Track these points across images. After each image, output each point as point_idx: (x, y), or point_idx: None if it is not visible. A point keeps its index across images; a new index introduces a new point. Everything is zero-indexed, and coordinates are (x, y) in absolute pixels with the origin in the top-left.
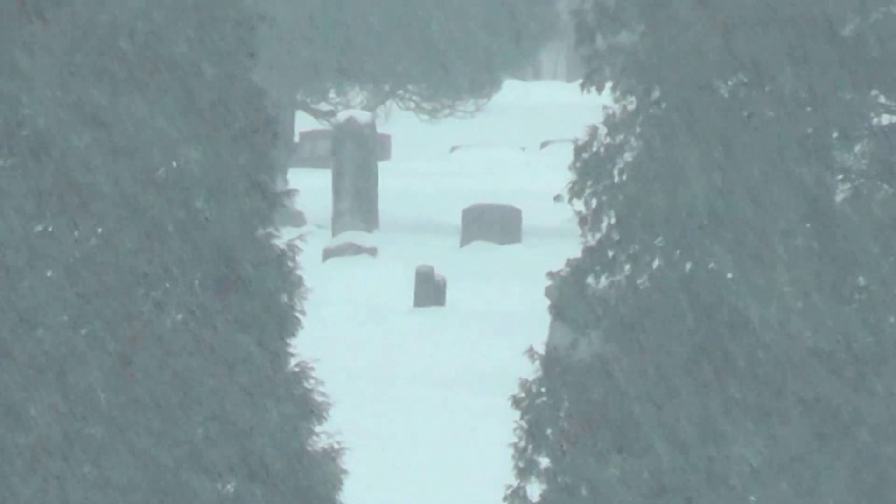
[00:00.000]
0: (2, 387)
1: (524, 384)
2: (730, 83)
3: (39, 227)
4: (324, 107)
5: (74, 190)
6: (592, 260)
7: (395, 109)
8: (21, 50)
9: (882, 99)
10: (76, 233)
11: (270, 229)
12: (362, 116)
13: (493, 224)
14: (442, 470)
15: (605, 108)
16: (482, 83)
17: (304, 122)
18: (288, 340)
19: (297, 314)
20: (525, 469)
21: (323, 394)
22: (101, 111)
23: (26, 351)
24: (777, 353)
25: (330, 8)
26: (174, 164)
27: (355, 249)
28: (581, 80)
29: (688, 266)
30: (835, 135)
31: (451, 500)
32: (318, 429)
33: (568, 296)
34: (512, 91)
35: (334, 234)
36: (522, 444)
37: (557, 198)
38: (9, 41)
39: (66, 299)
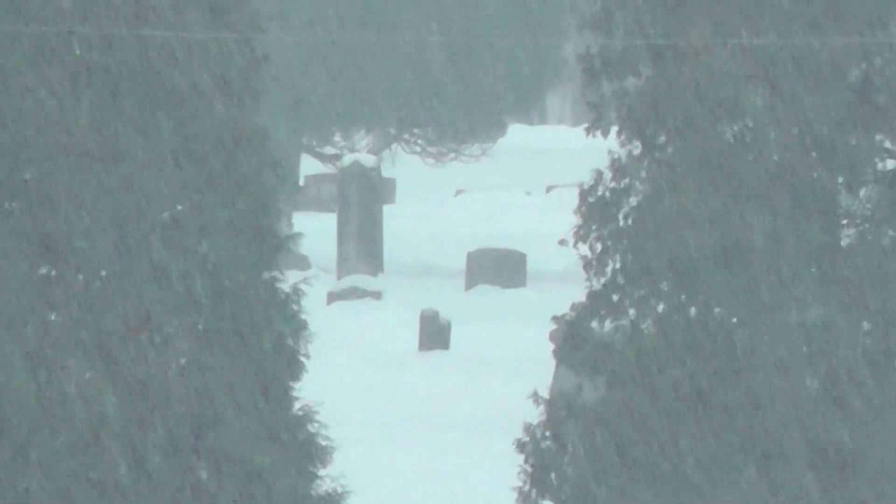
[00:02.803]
0: (4, 429)
1: (528, 428)
2: (735, 128)
3: (43, 271)
4: (329, 150)
5: (78, 234)
6: (597, 304)
7: (400, 153)
8: (24, 93)
9: (887, 144)
10: (80, 276)
11: (275, 273)
12: (367, 160)
13: (497, 268)
14: None
15: (610, 152)
16: (488, 127)
17: (309, 166)
18: (292, 384)
19: (302, 357)
20: None
21: (327, 437)
22: (104, 155)
23: (30, 394)
24: (782, 397)
25: (335, 51)
26: (178, 207)
27: (360, 293)
28: (587, 125)
29: (693, 311)
30: (840, 180)
31: None
32: (321, 472)
33: (572, 340)
34: (517, 135)
35: (339, 277)
36: (527, 487)
37: (562, 241)
38: (12, 84)
39: (69, 343)
